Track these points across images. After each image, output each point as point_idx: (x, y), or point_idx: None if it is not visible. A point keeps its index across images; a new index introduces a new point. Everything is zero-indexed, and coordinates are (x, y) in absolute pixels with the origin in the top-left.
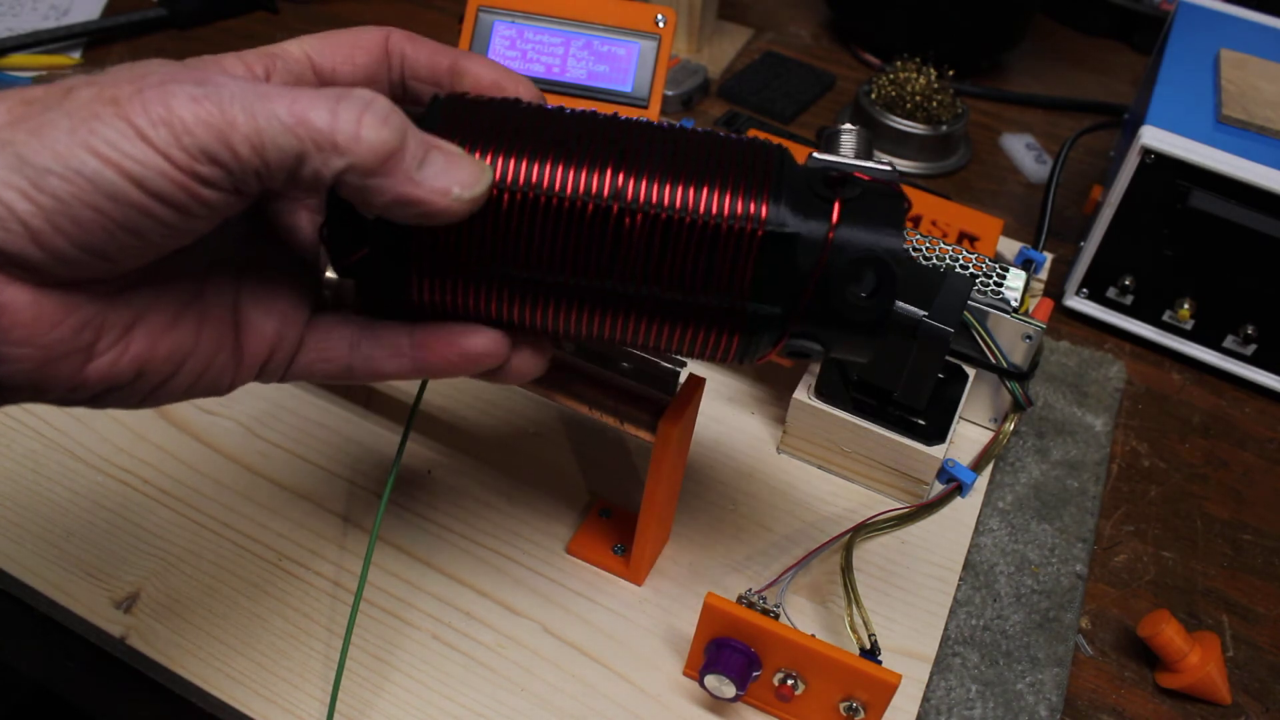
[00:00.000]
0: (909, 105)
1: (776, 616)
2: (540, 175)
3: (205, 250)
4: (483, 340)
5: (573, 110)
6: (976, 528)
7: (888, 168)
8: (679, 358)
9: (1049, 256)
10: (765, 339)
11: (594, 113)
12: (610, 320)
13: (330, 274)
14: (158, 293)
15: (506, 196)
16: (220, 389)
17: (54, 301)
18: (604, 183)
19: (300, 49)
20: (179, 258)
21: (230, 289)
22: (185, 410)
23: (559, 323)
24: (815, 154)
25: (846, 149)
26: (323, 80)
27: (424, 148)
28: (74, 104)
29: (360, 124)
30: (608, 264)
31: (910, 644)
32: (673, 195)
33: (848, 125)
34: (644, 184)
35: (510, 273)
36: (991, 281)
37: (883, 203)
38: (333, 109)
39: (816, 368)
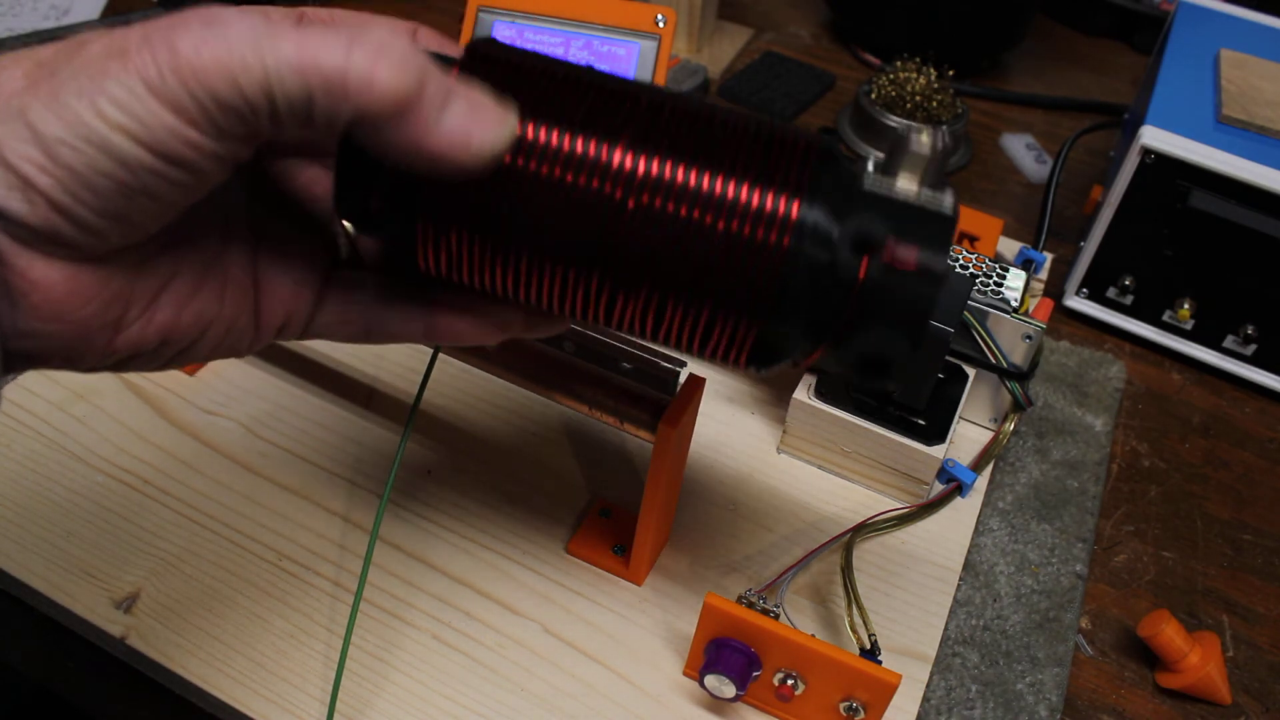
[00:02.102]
0: (909, 105)
1: (776, 616)
2: (562, 148)
3: (222, 215)
4: (497, 325)
5: (609, 79)
6: (976, 528)
7: (946, 210)
8: (679, 358)
9: (1049, 256)
10: (778, 361)
11: (630, 84)
12: (618, 312)
13: (347, 225)
14: (180, 261)
15: (524, 164)
16: (240, 351)
17: (85, 277)
18: (624, 169)
19: (329, 14)
20: (197, 225)
21: (248, 252)
22: (185, 410)
23: (568, 308)
24: (871, 171)
25: (905, 180)
26: None
27: (444, 93)
28: (85, 60)
29: (375, 67)
30: (619, 254)
31: (910, 644)
32: (698, 207)
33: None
34: (668, 179)
35: (521, 252)
36: (991, 281)
37: (912, 288)
38: (346, 49)
39: None
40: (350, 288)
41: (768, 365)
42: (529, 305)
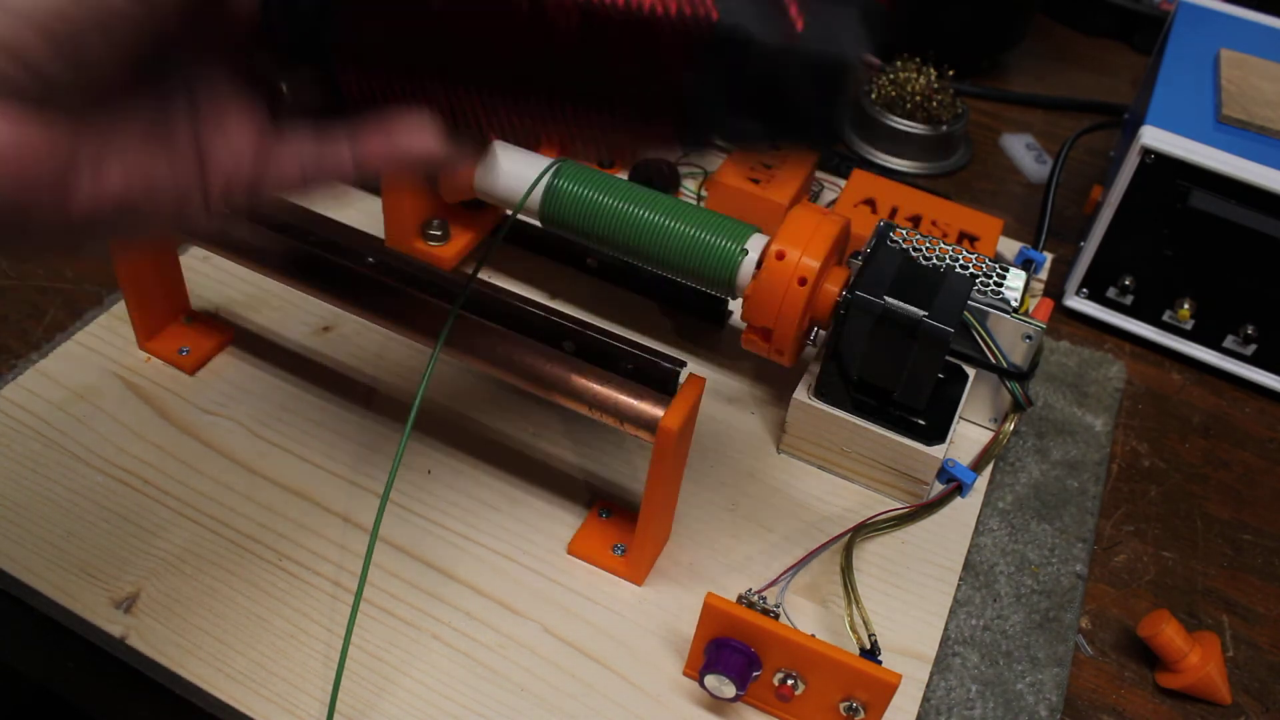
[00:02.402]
0: (909, 105)
1: (776, 616)
2: None
3: (161, 74)
4: (418, 138)
5: None
6: (976, 528)
7: None
8: (679, 358)
9: (1049, 256)
10: (703, 126)
11: None
12: (538, 106)
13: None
14: (123, 118)
15: None
16: (196, 224)
17: (28, 129)
18: None
19: None
20: (139, 82)
21: (189, 113)
22: (185, 410)
23: (491, 112)
24: None
25: None
26: None
27: None
28: None
29: None
30: (534, 45)
31: (910, 644)
32: None
33: None
34: None
35: (432, 56)
36: (991, 281)
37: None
38: None
39: (816, 368)
40: (284, 143)
41: (697, 121)
42: (449, 102)
